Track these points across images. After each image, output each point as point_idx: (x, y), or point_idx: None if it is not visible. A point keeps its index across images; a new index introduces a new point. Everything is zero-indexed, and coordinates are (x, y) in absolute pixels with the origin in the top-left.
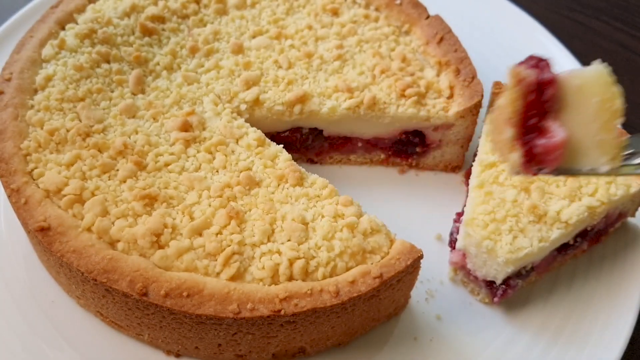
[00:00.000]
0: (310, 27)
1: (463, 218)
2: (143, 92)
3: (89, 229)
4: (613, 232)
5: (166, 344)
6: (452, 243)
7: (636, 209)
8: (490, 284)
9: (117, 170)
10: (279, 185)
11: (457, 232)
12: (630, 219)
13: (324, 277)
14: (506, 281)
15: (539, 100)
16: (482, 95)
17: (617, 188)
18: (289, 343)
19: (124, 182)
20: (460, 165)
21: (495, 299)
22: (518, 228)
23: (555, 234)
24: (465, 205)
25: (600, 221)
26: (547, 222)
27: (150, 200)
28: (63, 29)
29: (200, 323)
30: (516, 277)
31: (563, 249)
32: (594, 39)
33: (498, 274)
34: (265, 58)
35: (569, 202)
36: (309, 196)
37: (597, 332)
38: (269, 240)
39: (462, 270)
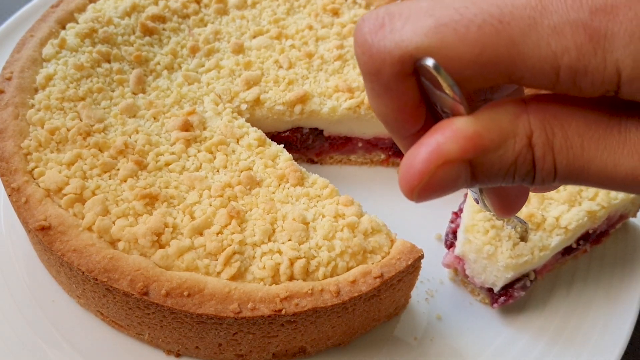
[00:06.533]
0: (310, 27)
1: (462, 224)
2: (144, 91)
3: (89, 228)
4: (613, 232)
5: (166, 344)
6: (446, 244)
7: (637, 210)
8: (489, 291)
9: (118, 169)
10: (279, 185)
11: (452, 233)
12: (630, 219)
13: (325, 277)
14: (508, 291)
15: None
16: None
17: (618, 192)
18: (289, 343)
19: (125, 181)
20: None
21: (495, 305)
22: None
23: (555, 241)
24: (462, 203)
25: (601, 224)
26: (546, 228)
27: (151, 200)
28: (63, 28)
29: (201, 322)
30: (520, 289)
31: (566, 252)
32: None
33: (497, 280)
34: (266, 58)
35: (569, 207)
36: (309, 196)
37: (597, 333)
38: (269, 240)
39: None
